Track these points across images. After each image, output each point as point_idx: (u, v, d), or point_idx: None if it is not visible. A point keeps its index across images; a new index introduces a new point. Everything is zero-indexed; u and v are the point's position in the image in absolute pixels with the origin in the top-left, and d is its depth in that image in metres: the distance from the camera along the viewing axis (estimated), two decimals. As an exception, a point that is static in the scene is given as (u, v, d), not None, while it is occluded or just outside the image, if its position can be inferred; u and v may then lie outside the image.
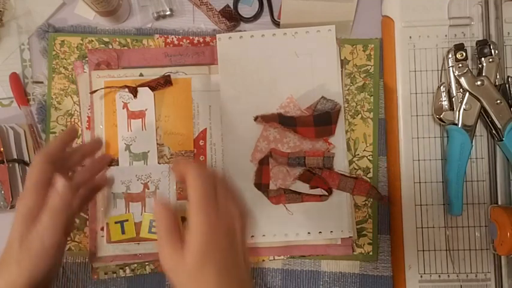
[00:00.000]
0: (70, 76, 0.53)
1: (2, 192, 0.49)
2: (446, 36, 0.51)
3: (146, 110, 0.51)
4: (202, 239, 0.35)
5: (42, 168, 0.40)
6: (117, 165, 0.51)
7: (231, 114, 0.52)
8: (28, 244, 0.38)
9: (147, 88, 0.51)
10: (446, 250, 0.50)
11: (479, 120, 0.49)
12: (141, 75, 0.52)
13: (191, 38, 0.53)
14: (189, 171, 0.37)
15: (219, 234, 0.36)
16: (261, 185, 0.51)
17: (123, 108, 0.51)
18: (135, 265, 0.51)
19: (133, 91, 0.51)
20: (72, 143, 0.45)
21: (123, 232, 0.50)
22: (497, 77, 0.49)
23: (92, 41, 0.53)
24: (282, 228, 0.51)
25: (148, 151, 0.51)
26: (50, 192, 0.39)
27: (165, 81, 0.51)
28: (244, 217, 0.39)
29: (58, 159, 0.42)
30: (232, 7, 0.54)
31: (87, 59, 0.53)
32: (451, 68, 0.49)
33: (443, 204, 0.50)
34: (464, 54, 0.48)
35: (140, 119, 0.51)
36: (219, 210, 0.37)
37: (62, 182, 0.39)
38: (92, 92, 0.51)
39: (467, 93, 0.48)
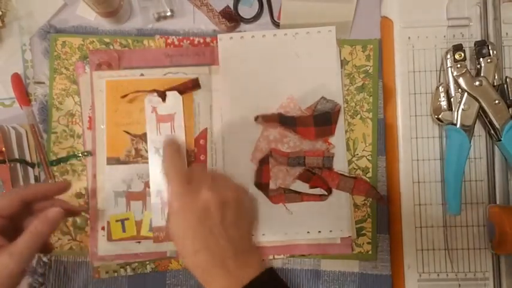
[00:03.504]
0: (71, 76, 0.53)
1: (4, 191, 0.49)
2: (445, 36, 0.52)
3: (175, 113, 0.51)
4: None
5: (11, 202, 0.39)
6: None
7: (231, 114, 0.52)
8: None
9: (175, 92, 0.51)
10: (445, 249, 0.50)
11: (477, 120, 0.49)
12: (141, 75, 0.52)
13: (191, 38, 0.54)
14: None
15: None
16: (261, 184, 0.51)
17: (152, 112, 0.51)
18: (136, 264, 0.52)
19: (162, 95, 0.50)
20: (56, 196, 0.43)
21: (123, 230, 0.51)
22: (496, 77, 0.49)
23: (93, 41, 0.54)
24: (281, 227, 0.51)
25: None
26: (35, 219, 0.38)
27: (193, 85, 0.51)
28: (225, 201, 0.36)
29: (31, 202, 0.41)
30: (232, 8, 0.55)
31: (88, 59, 0.53)
32: (449, 69, 0.49)
33: (442, 204, 0.51)
34: (462, 54, 0.49)
35: (169, 123, 0.51)
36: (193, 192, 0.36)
37: (58, 210, 0.39)
38: (123, 96, 0.51)
39: (466, 94, 0.48)
